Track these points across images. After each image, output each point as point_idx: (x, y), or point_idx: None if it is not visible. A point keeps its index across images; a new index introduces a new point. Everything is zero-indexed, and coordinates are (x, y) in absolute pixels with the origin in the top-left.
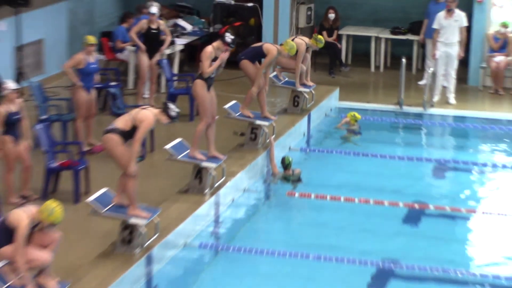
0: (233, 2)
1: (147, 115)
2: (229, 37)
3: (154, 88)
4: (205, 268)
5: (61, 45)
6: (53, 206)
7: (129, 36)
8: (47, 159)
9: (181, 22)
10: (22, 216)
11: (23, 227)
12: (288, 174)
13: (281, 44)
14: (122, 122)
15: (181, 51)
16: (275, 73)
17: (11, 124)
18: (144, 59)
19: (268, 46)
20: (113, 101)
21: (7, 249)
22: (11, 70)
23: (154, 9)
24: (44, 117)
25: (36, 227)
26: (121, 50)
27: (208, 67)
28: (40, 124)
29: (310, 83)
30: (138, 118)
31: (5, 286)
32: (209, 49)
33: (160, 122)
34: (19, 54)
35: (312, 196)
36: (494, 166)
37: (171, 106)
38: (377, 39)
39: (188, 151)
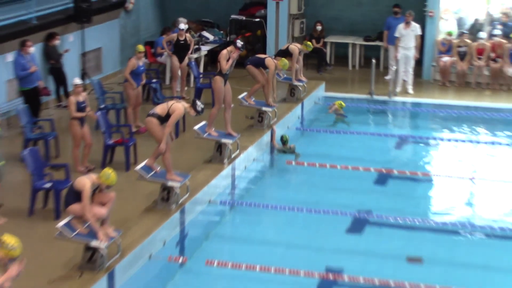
0: (244, 18)
1: (178, 107)
2: (239, 42)
3: (184, 83)
4: (224, 219)
5: (114, 51)
6: (109, 172)
7: (162, 45)
8: (105, 138)
9: (205, 33)
10: (86, 181)
11: (87, 190)
12: (286, 148)
13: (275, 56)
14: (160, 109)
15: (205, 55)
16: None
17: (78, 111)
18: (175, 62)
19: (269, 61)
20: (154, 93)
21: (76, 206)
22: (77, 71)
23: (182, 25)
24: (102, 106)
25: (97, 189)
26: (160, 55)
27: (225, 65)
28: (99, 111)
29: (303, 78)
30: (172, 108)
31: (74, 233)
32: (224, 52)
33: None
34: (83, 59)
35: (305, 164)
36: (442, 139)
37: (198, 103)
38: (353, 45)
39: (213, 129)
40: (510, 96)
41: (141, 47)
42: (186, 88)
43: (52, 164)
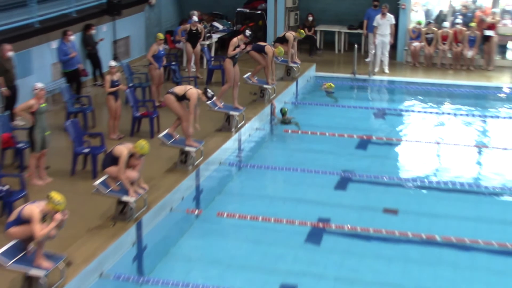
0: (248, 11)
1: (193, 93)
2: (248, 32)
3: (198, 65)
4: (233, 178)
5: (140, 39)
6: (143, 144)
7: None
8: (133, 111)
9: (216, 23)
10: (123, 150)
11: (124, 156)
12: (285, 119)
13: (274, 43)
14: (178, 90)
15: (216, 42)
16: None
17: (112, 87)
18: (189, 47)
19: (268, 48)
20: (174, 74)
21: (112, 169)
22: (110, 55)
23: (194, 17)
24: (130, 84)
25: (132, 156)
26: (178, 42)
27: (232, 51)
28: (128, 89)
29: (297, 61)
30: (188, 92)
31: (109, 190)
32: (234, 40)
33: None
34: (114, 45)
35: (299, 132)
36: (413, 111)
37: (209, 90)
38: (339, 32)
39: (222, 104)
40: (469, 75)
41: (161, 35)
42: (200, 69)
43: (89, 133)
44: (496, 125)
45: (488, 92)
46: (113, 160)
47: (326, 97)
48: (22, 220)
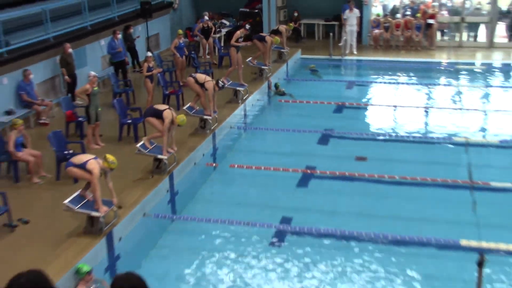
0: (248, 10)
1: (210, 84)
2: (247, 26)
3: (212, 53)
4: (241, 138)
5: (167, 35)
6: (183, 118)
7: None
8: (163, 90)
9: (224, 20)
10: (170, 115)
11: (168, 121)
12: (279, 91)
13: (270, 33)
14: (199, 76)
15: (224, 35)
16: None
17: (149, 72)
18: (203, 40)
19: (268, 38)
20: (193, 61)
21: (153, 120)
22: (145, 48)
23: (206, 17)
24: (160, 69)
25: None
26: (196, 36)
27: (234, 41)
28: (159, 73)
29: (287, 48)
30: (206, 84)
31: (147, 150)
32: (238, 32)
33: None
34: (147, 41)
35: (290, 101)
36: (376, 82)
37: (220, 81)
38: (318, 24)
39: (230, 82)
40: (417, 53)
41: (180, 31)
42: (214, 56)
43: (131, 108)
44: (438, 90)
45: (431, 66)
46: (153, 113)
47: (310, 74)
48: (85, 168)
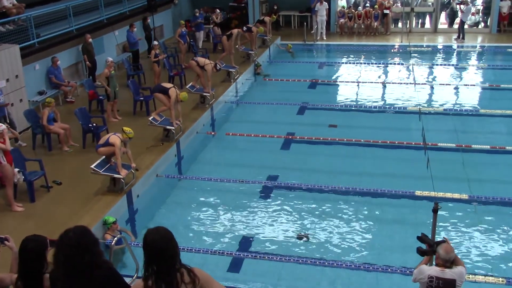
0: (236, 4)
1: (209, 67)
2: (244, 28)
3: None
4: (234, 111)
5: (169, 26)
6: (185, 95)
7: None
8: (169, 72)
9: (217, 13)
10: (175, 93)
11: (174, 97)
12: (260, 71)
13: (257, 23)
14: (200, 59)
15: (218, 24)
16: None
17: (155, 58)
18: (196, 33)
19: (254, 28)
20: (192, 47)
21: (161, 96)
22: (152, 38)
23: (196, 15)
24: (165, 55)
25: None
26: (193, 26)
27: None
28: (164, 58)
29: (269, 35)
30: (205, 64)
31: (158, 122)
32: (235, 30)
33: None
34: (154, 31)
35: (273, 79)
36: (342, 63)
37: (217, 64)
38: (294, 15)
39: (224, 64)
40: (375, 38)
41: (182, 22)
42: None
43: (142, 87)
44: (393, 69)
45: (387, 48)
46: (160, 90)
47: (288, 56)
48: (109, 144)
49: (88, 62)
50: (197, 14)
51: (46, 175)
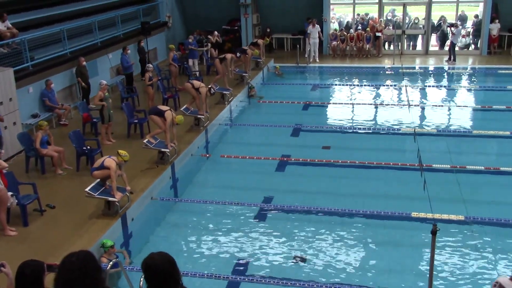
0: (229, 27)
1: (204, 90)
2: (237, 54)
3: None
4: (228, 132)
5: (162, 49)
6: (181, 118)
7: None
8: (163, 94)
9: (210, 36)
10: (171, 115)
11: (170, 120)
12: (253, 92)
13: (250, 45)
14: (195, 82)
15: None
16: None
17: (149, 81)
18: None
19: (249, 50)
20: (186, 70)
21: (156, 118)
22: (146, 61)
23: (189, 40)
24: (159, 77)
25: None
26: (187, 50)
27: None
28: (158, 80)
29: (263, 57)
30: (200, 89)
31: (153, 145)
32: (229, 56)
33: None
34: (148, 54)
35: (267, 101)
36: (335, 85)
37: (211, 88)
38: (287, 38)
39: (218, 87)
40: (367, 60)
41: (172, 46)
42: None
43: (136, 110)
44: (385, 91)
45: (379, 70)
46: (156, 112)
47: (281, 78)
48: (104, 167)
49: (84, 84)
50: (191, 40)
51: (40, 199)
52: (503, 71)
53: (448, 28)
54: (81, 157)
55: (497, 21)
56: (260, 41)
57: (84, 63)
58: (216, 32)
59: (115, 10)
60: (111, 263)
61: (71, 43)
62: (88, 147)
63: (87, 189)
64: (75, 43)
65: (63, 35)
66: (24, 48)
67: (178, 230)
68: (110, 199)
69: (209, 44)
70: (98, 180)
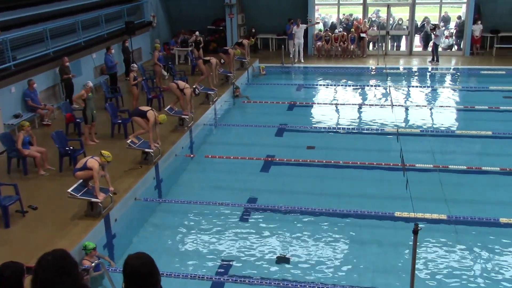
0: (214, 27)
1: (188, 90)
2: (222, 61)
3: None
4: (212, 132)
5: (147, 49)
6: (164, 117)
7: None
8: (147, 94)
9: (196, 35)
10: (153, 115)
11: (153, 120)
12: (238, 93)
13: (235, 45)
14: (180, 83)
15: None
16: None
17: (134, 81)
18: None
19: (230, 51)
20: (170, 70)
21: (139, 120)
22: (131, 59)
23: (172, 42)
24: (144, 78)
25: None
26: (172, 49)
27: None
28: (142, 80)
29: (248, 58)
30: (185, 90)
31: (136, 145)
32: (214, 60)
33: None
34: (132, 53)
35: (252, 101)
36: (319, 85)
37: (196, 89)
38: (271, 38)
39: (202, 87)
40: (351, 61)
41: (157, 45)
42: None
43: (121, 110)
44: (370, 91)
45: (363, 71)
46: (138, 113)
47: (266, 78)
48: (87, 168)
49: (71, 74)
50: (172, 41)
51: (22, 200)
52: (485, 72)
53: (431, 30)
54: (64, 157)
55: (479, 22)
56: (245, 41)
57: (68, 63)
58: (197, 32)
59: (99, 9)
60: (93, 264)
61: (54, 43)
62: (71, 147)
63: (69, 190)
64: (59, 42)
65: (46, 35)
66: (6, 47)
67: (162, 230)
68: (93, 200)
69: (193, 44)
70: (81, 181)
